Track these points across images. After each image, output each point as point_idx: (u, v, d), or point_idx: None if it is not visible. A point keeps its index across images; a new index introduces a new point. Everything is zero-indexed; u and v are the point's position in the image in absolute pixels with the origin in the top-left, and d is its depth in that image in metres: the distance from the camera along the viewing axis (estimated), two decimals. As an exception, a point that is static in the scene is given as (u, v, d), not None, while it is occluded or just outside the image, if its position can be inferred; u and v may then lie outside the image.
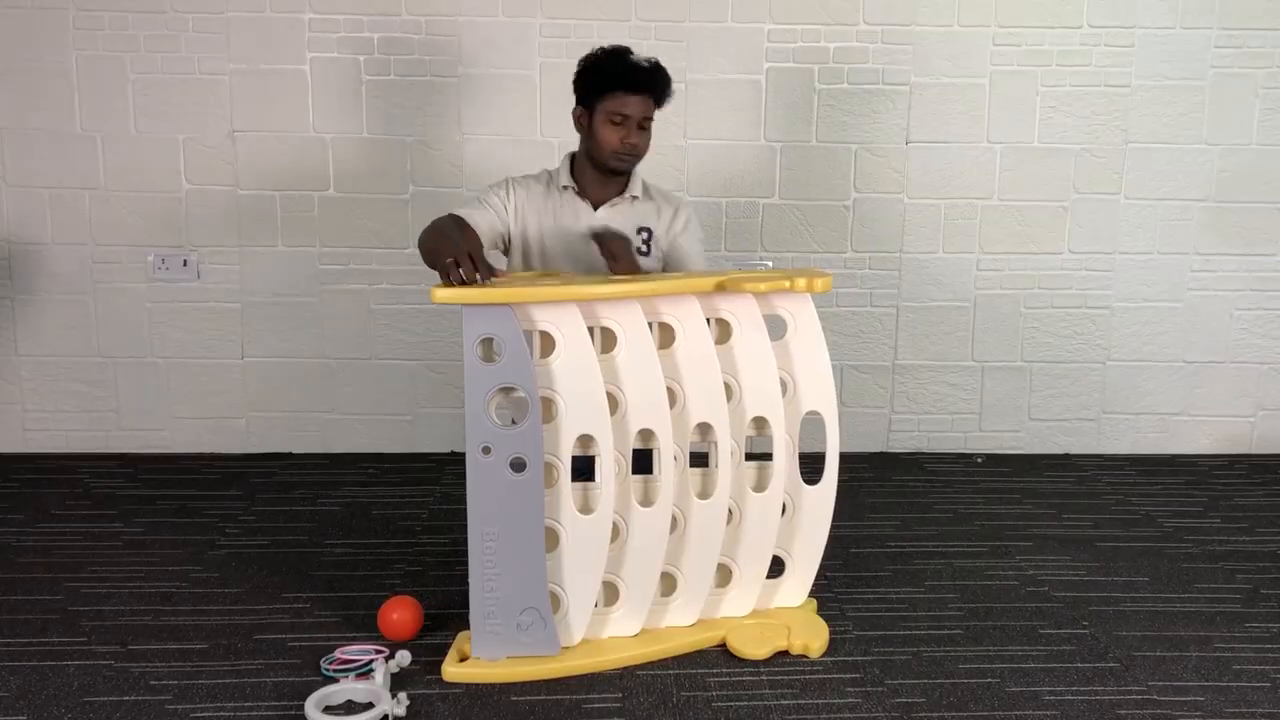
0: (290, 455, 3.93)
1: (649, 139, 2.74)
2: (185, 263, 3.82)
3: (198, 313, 3.86)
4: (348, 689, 2.23)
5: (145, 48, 3.70)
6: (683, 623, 2.53)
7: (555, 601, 2.40)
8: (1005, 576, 2.96)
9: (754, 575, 2.55)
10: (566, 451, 2.34)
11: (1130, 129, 3.90)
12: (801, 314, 2.48)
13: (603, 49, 2.74)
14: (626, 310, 2.33)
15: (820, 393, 2.52)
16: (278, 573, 2.91)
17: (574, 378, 2.31)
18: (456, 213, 2.69)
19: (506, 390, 2.30)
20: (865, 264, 3.94)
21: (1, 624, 2.58)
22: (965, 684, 2.37)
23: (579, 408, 2.32)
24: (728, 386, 2.45)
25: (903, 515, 3.43)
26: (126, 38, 3.69)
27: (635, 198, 2.79)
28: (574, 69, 2.74)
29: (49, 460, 3.82)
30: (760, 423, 2.48)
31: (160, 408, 3.91)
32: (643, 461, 2.43)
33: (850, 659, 2.47)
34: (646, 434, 2.40)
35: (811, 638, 2.49)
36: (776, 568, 2.59)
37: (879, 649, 2.51)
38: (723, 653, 2.49)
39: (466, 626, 2.55)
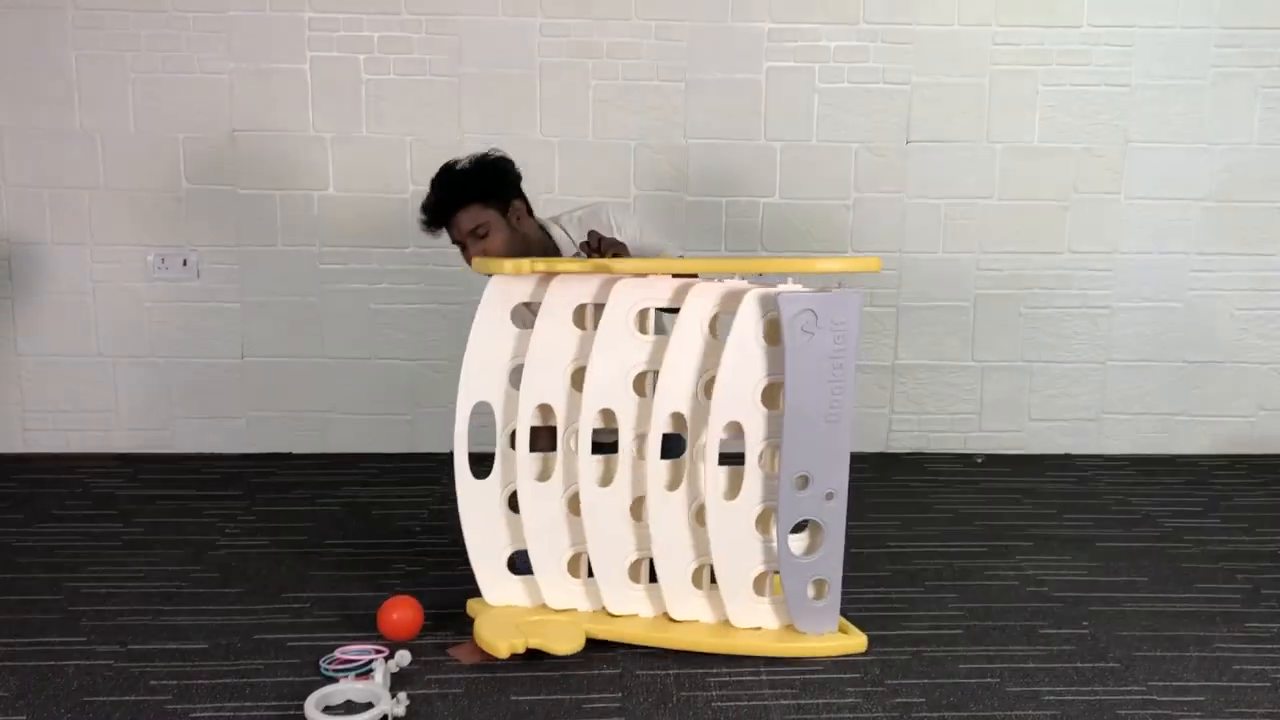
0: (290, 455, 3.92)
1: (500, 236, 2.61)
2: (185, 262, 3.82)
3: (198, 312, 3.85)
4: (347, 689, 2.23)
5: (145, 47, 3.70)
6: None
7: None
8: (1005, 576, 2.96)
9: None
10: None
11: (1130, 128, 3.90)
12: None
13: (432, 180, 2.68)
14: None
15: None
16: (277, 573, 2.91)
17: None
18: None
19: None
20: (865, 263, 3.93)
21: (1, 624, 2.58)
22: (965, 684, 2.37)
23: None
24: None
25: (903, 515, 3.43)
26: (126, 37, 3.69)
27: (570, 247, 2.68)
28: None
29: (49, 460, 3.82)
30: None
31: (160, 407, 3.90)
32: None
33: (850, 659, 2.47)
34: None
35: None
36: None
37: (879, 649, 2.51)
38: (724, 653, 2.48)
39: (466, 627, 2.55)
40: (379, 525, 3.28)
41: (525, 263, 2.34)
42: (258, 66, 3.72)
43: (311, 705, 2.16)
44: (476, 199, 2.62)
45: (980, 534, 3.28)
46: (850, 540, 3.12)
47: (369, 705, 2.18)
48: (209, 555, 3.02)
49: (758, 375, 2.39)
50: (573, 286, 2.40)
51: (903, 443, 4.09)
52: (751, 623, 2.51)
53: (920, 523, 3.36)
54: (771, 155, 3.86)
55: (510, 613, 2.50)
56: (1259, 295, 4.02)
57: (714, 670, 2.40)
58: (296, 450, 3.95)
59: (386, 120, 3.77)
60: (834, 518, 2.44)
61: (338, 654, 2.39)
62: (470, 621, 2.55)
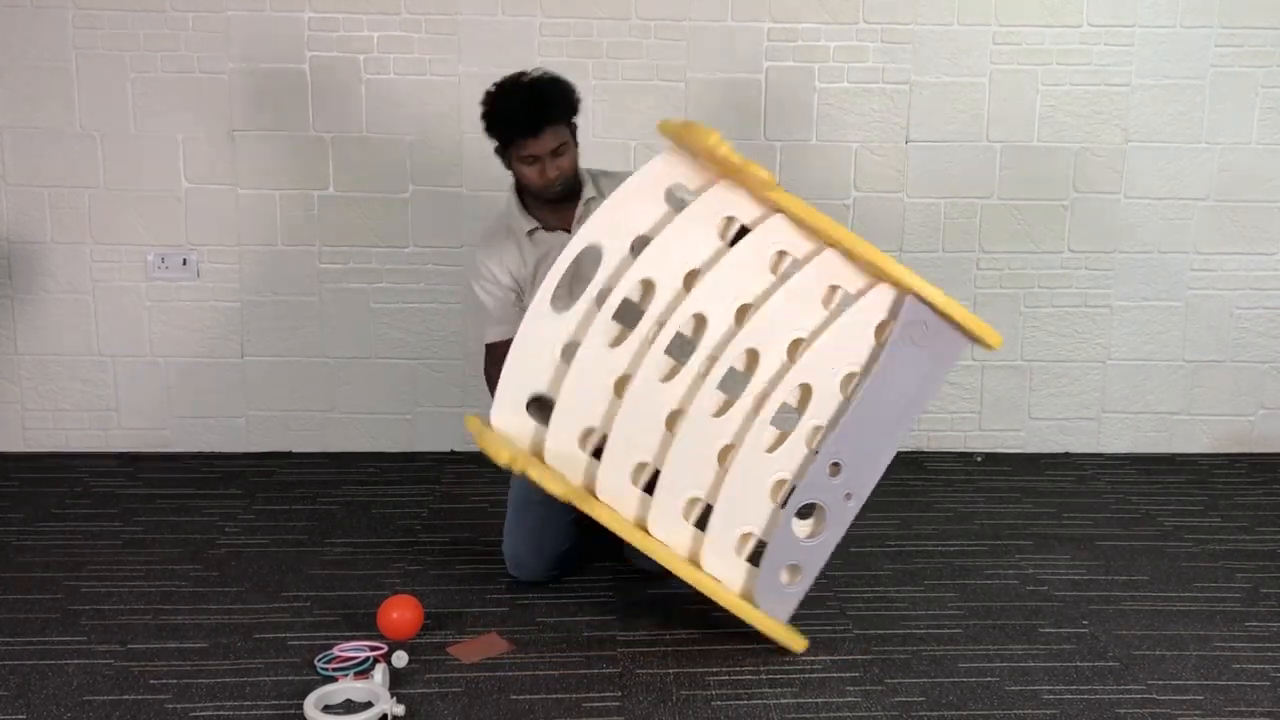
0: (290, 454, 3.92)
1: (572, 156, 2.67)
2: (185, 261, 3.82)
3: (197, 312, 3.86)
4: (347, 688, 2.24)
5: (144, 47, 3.70)
6: None
7: None
8: (1005, 575, 2.96)
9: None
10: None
11: (1130, 128, 3.90)
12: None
13: (494, 88, 2.64)
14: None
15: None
16: (277, 572, 2.91)
17: None
18: (495, 341, 2.60)
19: None
20: (865, 263, 3.93)
21: (1, 623, 2.58)
22: (965, 683, 2.37)
23: None
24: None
25: (902, 514, 3.43)
26: (126, 37, 3.69)
27: (592, 198, 2.74)
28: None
29: (49, 460, 3.82)
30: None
31: (160, 407, 3.90)
32: None
33: (850, 658, 2.47)
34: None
35: None
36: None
37: (879, 648, 2.51)
38: (723, 652, 2.48)
39: (465, 626, 2.56)
40: (379, 525, 3.28)
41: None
42: (257, 66, 3.73)
43: (311, 704, 2.16)
44: (562, 116, 2.61)
45: (980, 533, 3.28)
46: (849, 539, 3.13)
47: (368, 705, 2.18)
48: (208, 554, 3.03)
49: (852, 359, 2.41)
50: (732, 195, 2.35)
51: (902, 441, 4.08)
52: (717, 574, 2.48)
53: (919, 522, 3.36)
54: (771, 154, 3.86)
55: (509, 439, 2.42)
56: (1259, 294, 4.02)
57: (713, 669, 2.41)
58: (296, 449, 3.95)
59: (386, 120, 3.77)
60: (842, 516, 2.46)
61: (336, 651, 2.39)
62: (470, 620, 2.56)
